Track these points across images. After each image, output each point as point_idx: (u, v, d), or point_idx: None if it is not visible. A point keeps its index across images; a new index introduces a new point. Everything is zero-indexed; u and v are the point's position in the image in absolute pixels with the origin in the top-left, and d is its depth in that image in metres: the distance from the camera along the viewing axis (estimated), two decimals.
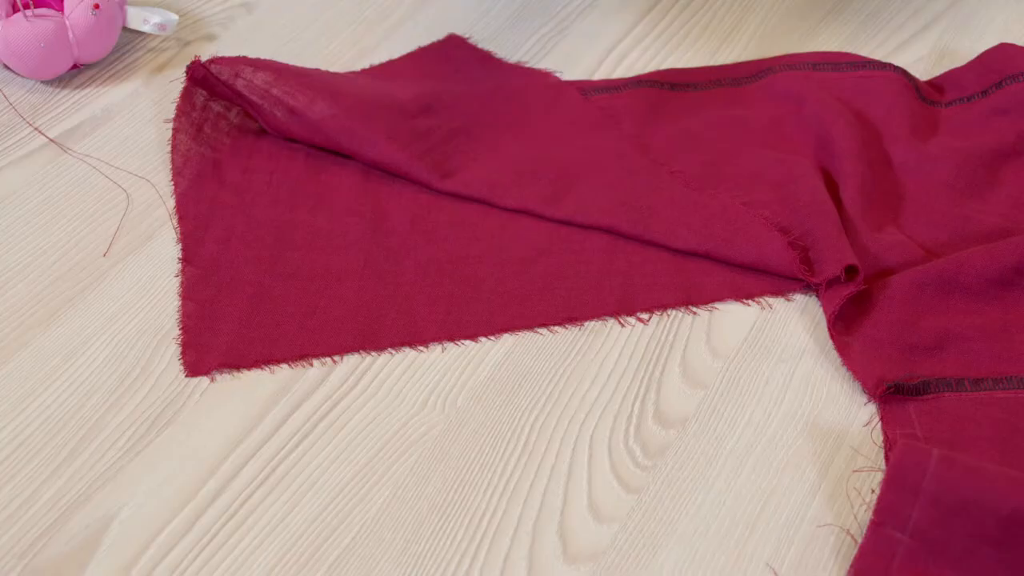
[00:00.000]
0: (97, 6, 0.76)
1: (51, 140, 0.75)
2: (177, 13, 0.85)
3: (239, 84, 0.72)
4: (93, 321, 0.64)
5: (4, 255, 0.67)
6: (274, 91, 0.72)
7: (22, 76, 0.79)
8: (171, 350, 0.62)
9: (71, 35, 0.76)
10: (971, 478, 0.52)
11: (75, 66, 0.79)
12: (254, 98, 0.72)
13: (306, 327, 0.63)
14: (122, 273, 0.66)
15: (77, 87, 0.79)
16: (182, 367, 0.61)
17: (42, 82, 0.79)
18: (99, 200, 0.71)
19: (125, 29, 0.82)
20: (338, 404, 0.60)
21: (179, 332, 0.63)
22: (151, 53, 0.82)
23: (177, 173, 0.71)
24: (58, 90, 0.79)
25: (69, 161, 0.74)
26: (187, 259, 0.66)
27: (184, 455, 0.57)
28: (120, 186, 0.72)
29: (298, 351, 0.62)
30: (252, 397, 0.60)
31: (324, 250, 0.67)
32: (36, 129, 0.76)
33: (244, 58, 0.73)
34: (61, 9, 0.77)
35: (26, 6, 0.75)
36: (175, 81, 0.79)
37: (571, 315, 0.64)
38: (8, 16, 0.76)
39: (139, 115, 0.77)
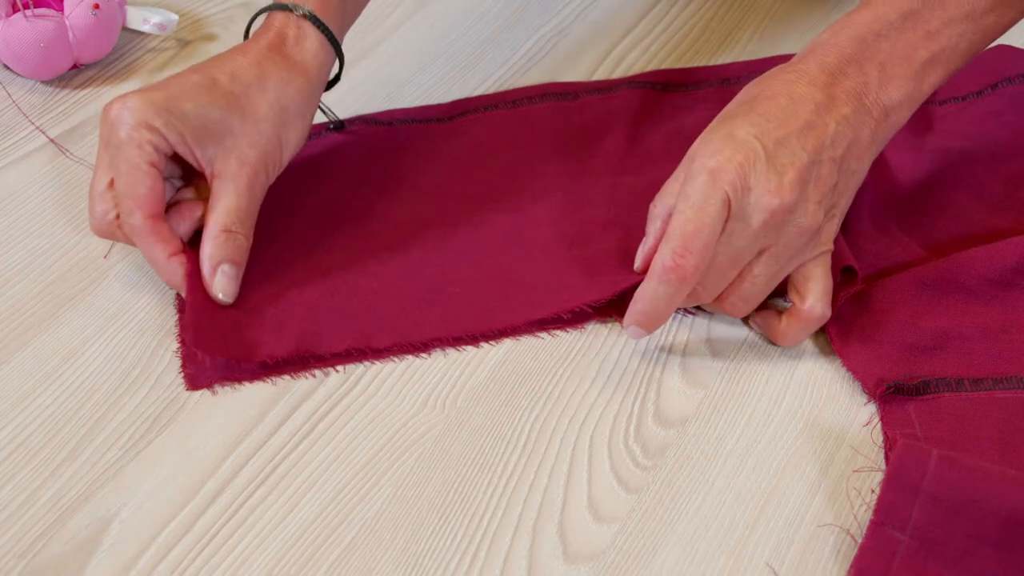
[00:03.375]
0: (97, 6, 0.76)
1: (51, 140, 0.75)
2: (177, 13, 0.85)
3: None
4: (93, 321, 0.63)
5: (4, 255, 0.67)
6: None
7: (22, 76, 0.79)
8: (171, 350, 0.62)
9: (71, 35, 0.76)
10: (971, 478, 0.52)
11: (75, 66, 0.79)
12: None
13: (307, 338, 0.62)
14: (122, 273, 0.66)
15: (77, 87, 0.79)
16: (183, 380, 0.61)
17: (42, 82, 0.79)
18: None
19: (125, 29, 0.82)
20: (338, 404, 0.60)
21: (178, 345, 0.62)
22: (151, 53, 0.82)
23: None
24: (58, 90, 0.79)
25: (69, 161, 0.74)
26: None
27: (184, 455, 0.57)
28: None
29: (300, 365, 0.61)
30: (252, 397, 0.60)
31: (323, 261, 0.67)
32: (38, 128, 0.76)
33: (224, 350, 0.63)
34: (61, 9, 0.77)
35: (26, 6, 0.75)
36: None
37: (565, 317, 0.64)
38: (8, 16, 0.76)
39: None
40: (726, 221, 0.58)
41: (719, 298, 0.61)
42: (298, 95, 0.65)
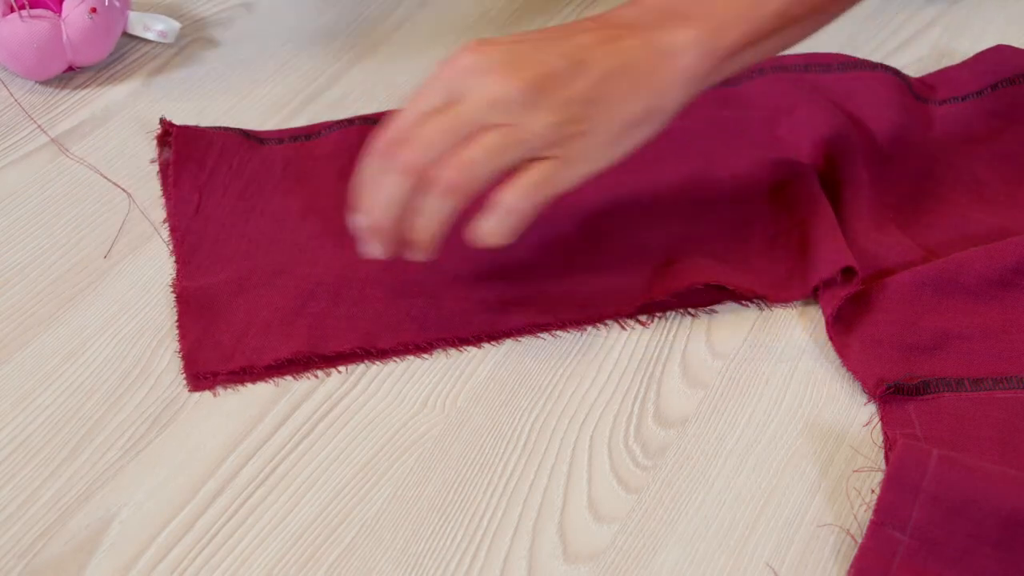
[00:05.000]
0: (94, 10, 0.76)
1: (53, 140, 0.75)
2: (177, 13, 0.85)
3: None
4: (93, 321, 0.63)
5: (4, 255, 0.67)
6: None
7: (17, 76, 0.79)
8: (171, 350, 0.62)
9: (65, 37, 0.76)
10: (971, 478, 0.52)
11: (70, 68, 0.79)
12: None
13: (310, 340, 0.62)
14: (122, 273, 0.66)
15: (76, 87, 0.79)
16: (185, 382, 0.61)
17: (42, 82, 0.79)
18: (99, 200, 0.71)
19: (125, 34, 0.82)
20: (338, 404, 0.60)
21: (179, 347, 0.62)
22: (151, 54, 0.82)
23: (167, 195, 0.71)
24: (57, 90, 0.79)
25: (69, 161, 0.74)
26: (181, 272, 0.66)
27: (184, 455, 0.57)
28: (120, 186, 0.71)
29: (303, 366, 0.61)
30: (252, 397, 0.60)
31: (324, 263, 0.67)
32: (39, 127, 0.75)
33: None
34: (59, 11, 0.77)
35: (21, 6, 0.75)
36: (175, 83, 0.79)
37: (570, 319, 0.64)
38: (4, 16, 0.76)
39: (139, 115, 0.77)
40: (454, 103, 0.57)
41: (445, 165, 0.56)
42: None
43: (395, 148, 0.58)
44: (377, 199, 0.58)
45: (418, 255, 0.60)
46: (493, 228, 0.57)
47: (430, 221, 0.58)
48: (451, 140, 0.56)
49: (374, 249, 0.60)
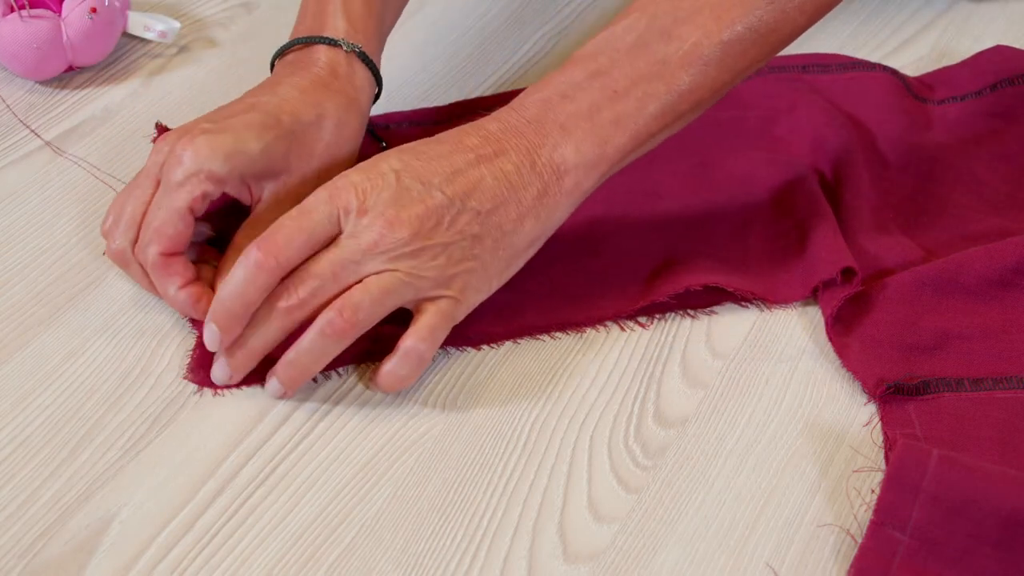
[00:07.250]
0: (94, 10, 0.76)
1: (47, 143, 0.75)
2: (177, 13, 0.85)
3: None
4: (93, 321, 0.63)
5: (4, 255, 0.67)
6: None
7: (17, 76, 0.79)
8: (171, 350, 0.62)
9: (65, 37, 0.76)
10: (971, 478, 0.52)
11: (70, 68, 0.79)
12: None
13: None
14: (122, 273, 0.66)
15: (76, 87, 0.79)
16: (187, 374, 0.61)
17: (41, 82, 0.79)
18: (99, 200, 0.71)
19: (125, 34, 0.82)
20: (338, 404, 0.60)
21: (194, 339, 0.62)
22: (151, 54, 0.82)
23: None
24: (57, 90, 0.79)
25: (70, 161, 0.74)
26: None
27: (184, 455, 0.57)
28: (120, 185, 0.71)
29: None
30: (252, 397, 0.60)
31: None
32: (32, 131, 0.75)
33: None
34: (59, 11, 0.77)
35: (21, 6, 0.75)
36: (175, 83, 0.79)
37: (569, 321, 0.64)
38: (4, 16, 0.76)
39: (139, 115, 0.77)
40: (339, 236, 0.57)
41: (328, 305, 0.57)
42: (352, 136, 0.66)
43: (276, 275, 0.56)
44: (257, 334, 0.57)
45: (274, 391, 0.59)
46: (397, 370, 0.58)
47: (311, 359, 0.57)
48: (334, 287, 0.56)
49: (219, 372, 0.59)
